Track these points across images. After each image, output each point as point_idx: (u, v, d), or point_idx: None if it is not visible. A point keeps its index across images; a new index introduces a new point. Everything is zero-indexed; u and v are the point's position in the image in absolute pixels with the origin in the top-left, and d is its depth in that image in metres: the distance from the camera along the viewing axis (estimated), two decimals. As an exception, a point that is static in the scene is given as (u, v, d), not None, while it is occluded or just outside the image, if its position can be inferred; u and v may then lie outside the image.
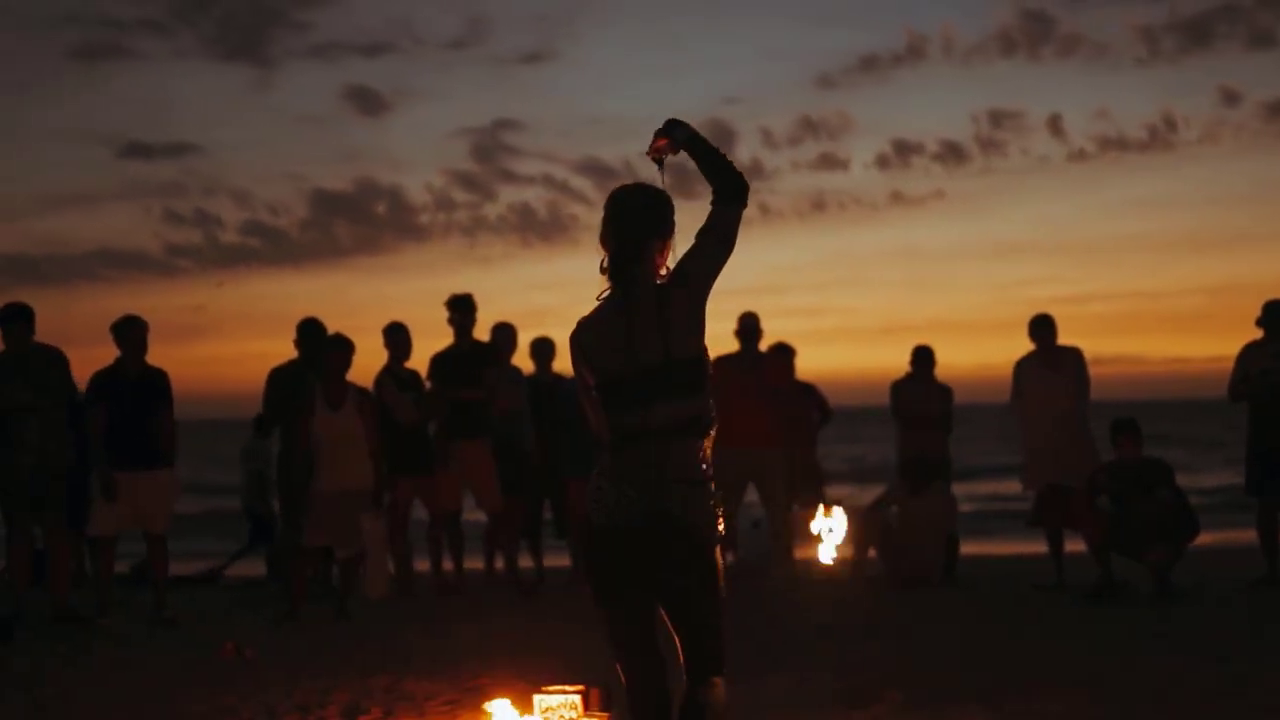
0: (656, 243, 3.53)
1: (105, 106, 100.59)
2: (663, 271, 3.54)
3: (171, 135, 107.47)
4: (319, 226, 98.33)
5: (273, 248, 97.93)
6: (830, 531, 10.03)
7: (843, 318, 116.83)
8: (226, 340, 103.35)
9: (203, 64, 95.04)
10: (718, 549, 3.53)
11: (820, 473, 10.56)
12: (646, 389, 3.43)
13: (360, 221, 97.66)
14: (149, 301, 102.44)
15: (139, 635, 7.83)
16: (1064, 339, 9.71)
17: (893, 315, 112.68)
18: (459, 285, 9.58)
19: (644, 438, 3.43)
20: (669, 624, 3.57)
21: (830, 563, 5.71)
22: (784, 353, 10.31)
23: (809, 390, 10.46)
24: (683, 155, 3.59)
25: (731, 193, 3.52)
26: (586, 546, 3.58)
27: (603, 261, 3.54)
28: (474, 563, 10.08)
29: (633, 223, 3.51)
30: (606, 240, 3.54)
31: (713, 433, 3.51)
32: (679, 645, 3.56)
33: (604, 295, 3.54)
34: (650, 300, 3.47)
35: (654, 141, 3.60)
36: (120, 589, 9.40)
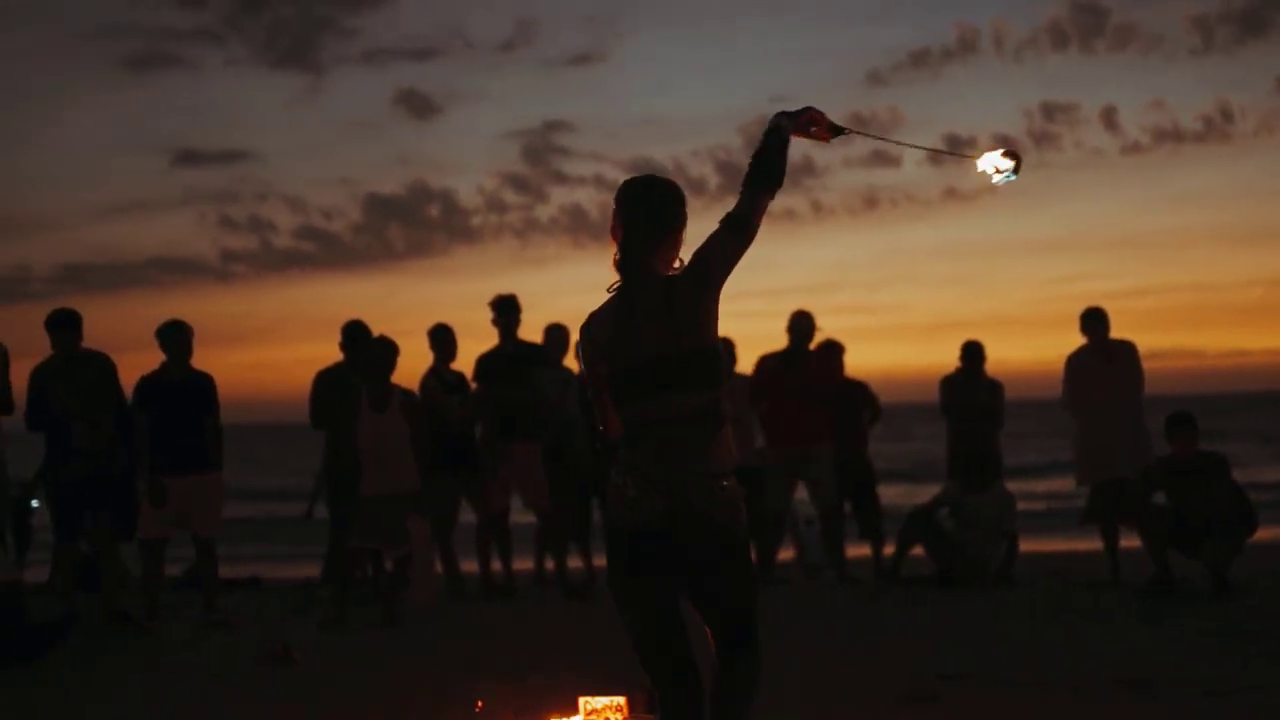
0: (669, 236, 3.51)
1: (158, 115, 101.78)
2: (675, 265, 3.51)
3: (224, 143, 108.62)
4: (372, 230, 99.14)
5: (326, 252, 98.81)
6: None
7: (895, 315, 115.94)
8: (280, 344, 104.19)
9: (254, 71, 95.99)
10: (746, 538, 3.48)
11: (872, 471, 10.42)
12: (657, 381, 3.40)
13: (412, 225, 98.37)
14: (204, 307, 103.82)
15: (187, 639, 7.86)
16: (1121, 334, 9.56)
17: (946, 312, 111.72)
18: (511, 287, 9.60)
19: (657, 431, 3.40)
20: (697, 612, 3.52)
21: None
22: (831, 350, 10.21)
23: (859, 387, 10.34)
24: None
25: (759, 180, 3.46)
26: (606, 546, 3.53)
27: (615, 254, 3.52)
28: (524, 564, 10.06)
29: (645, 216, 3.49)
30: (618, 233, 3.52)
31: (728, 426, 3.47)
32: (709, 631, 3.53)
33: (615, 287, 3.52)
34: (660, 292, 3.44)
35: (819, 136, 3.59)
36: (172, 593, 9.46)
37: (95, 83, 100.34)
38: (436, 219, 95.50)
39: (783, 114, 3.55)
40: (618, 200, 3.53)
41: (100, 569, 8.46)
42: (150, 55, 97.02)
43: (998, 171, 3.70)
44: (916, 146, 3.98)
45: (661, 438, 3.39)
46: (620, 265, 3.50)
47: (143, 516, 8.26)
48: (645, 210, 3.50)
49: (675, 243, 3.52)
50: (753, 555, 3.57)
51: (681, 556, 3.41)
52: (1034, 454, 34.43)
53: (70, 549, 8.37)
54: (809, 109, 3.57)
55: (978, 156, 3.71)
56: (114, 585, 8.36)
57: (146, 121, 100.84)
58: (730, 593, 3.46)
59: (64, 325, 8.18)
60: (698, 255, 3.46)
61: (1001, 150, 3.68)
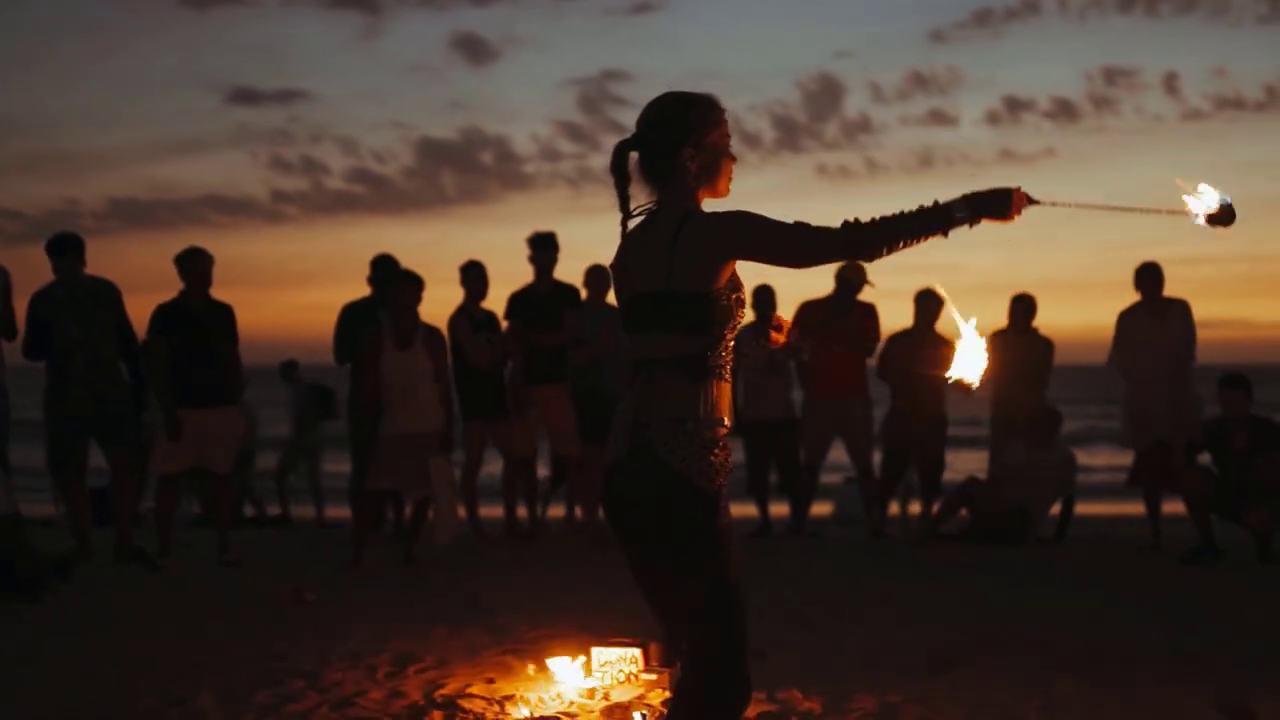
0: (685, 150, 3.08)
1: (215, 53, 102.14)
2: (692, 178, 3.09)
3: (279, 82, 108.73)
4: (424, 175, 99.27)
5: (378, 196, 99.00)
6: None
7: (946, 275, 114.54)
8: (331, 287, 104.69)
9: (312, 11, 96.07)
10: (712, 503, 3.00)
11: (944, 428, 9.91)
12: (640, 317, 3.07)
13: (465, 170, 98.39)
14: (255, 247, 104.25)
15: (201, 576, 7.69)
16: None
17: (999, 274, 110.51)
18: (563, 235, 9.17)
19: (642, 369, 3.06)
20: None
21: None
22: (933, 305, 9.80)
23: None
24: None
25: (849, 237, 3.02)
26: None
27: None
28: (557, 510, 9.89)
29: (652, 139, 3.10)
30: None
31: (722, 384, 3.09)
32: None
33: (640, 211, 3.16)
34: (670, 224, 3.05)
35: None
36: (191, 530, 9.33)
37: (153, 20, 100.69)
38: (490, 165, 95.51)
39: (975, 201, 3.29)
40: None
41: (112, 503, 8.28)
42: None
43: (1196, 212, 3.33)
44: (1113, 208, 3.49)
45: (644, 378, 3.05)
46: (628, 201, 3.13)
47: (157, 450, 8.05)
48: (652, 134, 3.09)
49: (696, 157, 3.08)
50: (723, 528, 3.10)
51: (634, 499, 3.03)
52: (1086, 420, 33.93)
53: (73, 482, 8.03)
54: (1016, 193, 3.27)
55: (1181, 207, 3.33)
56: (127, 520, 8.15)
57: (201, 58, 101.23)
58: (680, 566, 3.02)
59: (66, 250, 7.85)
60: (739, 219, 3.01)
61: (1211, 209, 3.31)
